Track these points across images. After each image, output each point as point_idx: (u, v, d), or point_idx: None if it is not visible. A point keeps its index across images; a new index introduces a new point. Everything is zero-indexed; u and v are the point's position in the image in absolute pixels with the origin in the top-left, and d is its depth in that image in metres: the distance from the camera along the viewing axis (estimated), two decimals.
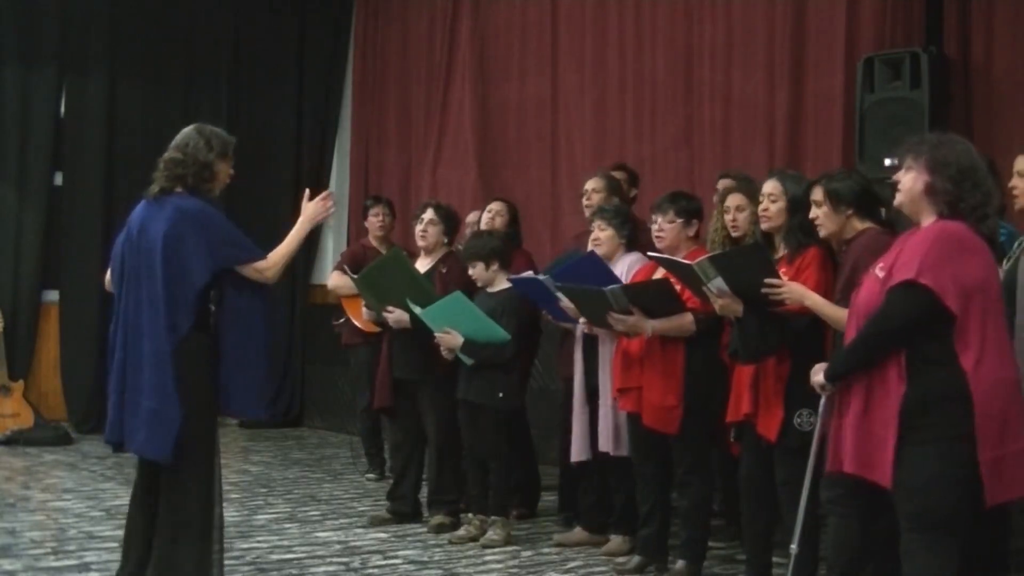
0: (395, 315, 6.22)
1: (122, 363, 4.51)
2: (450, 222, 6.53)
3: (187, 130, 4.65)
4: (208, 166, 4.57)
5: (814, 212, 4.52)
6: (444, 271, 6.40)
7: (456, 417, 6.35)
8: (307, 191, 4.86)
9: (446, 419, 6.34)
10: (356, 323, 7.38)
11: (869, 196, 4.48)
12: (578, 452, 5.92)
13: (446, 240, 6.51)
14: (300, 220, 4.76)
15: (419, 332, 6.17)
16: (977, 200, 3.70)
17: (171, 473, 4.45)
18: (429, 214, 6.48)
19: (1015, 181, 4.39)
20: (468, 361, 6.06)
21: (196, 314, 4.45)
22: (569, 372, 6.05)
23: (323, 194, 4.84)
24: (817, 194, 4.49)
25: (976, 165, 3.76)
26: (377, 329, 6.74)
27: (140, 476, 4.64)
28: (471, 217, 7.30)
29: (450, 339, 6.02)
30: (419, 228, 6.48)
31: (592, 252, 5.71)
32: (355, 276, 6.50)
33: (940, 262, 3.62)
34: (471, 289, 6.26)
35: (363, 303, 6.67)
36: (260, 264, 4.57)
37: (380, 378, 6.52)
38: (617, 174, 6.79)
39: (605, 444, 5.72)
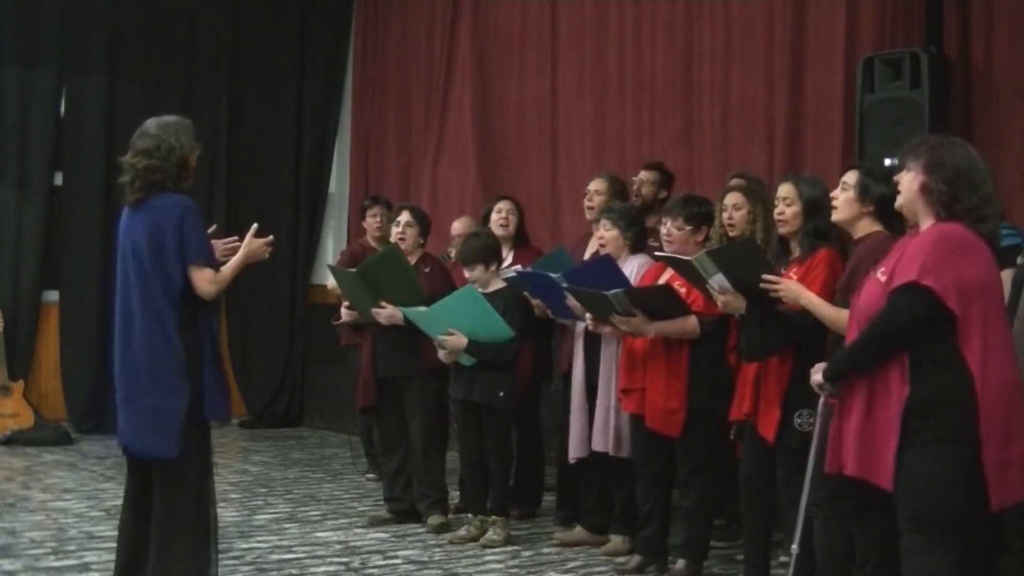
0: (388, 311, 6.23)
1: (121, 372, 4.49)
2: (424, 224, 6.61)
3: (151, 131, 4.54)
4: (183, 163, 4.51)
5: (836, 192, 4.51)
6: (427, 271, 6.45)
7: (442, 415, 6.35)
8: (254, 226, 4.65)
9: (432, 417, 6.37)
10: None
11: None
12: (575, 449, 5.92)
13: (422, 242, 6.57)
14: (240, 254, 4.57)
15: (405, 330, 6.19)
16: (974, 202, 3.71)
17: (164, 472, 4.43)
18: (406, 216, 6.53)
19: None
20: (468, 362, 6.06)
21: (181, 315, 4.41)
22: (569, 369, 6.05)
23: (268, 238, 4.64)
24: (849, 178, 4.48)
25: (974, 167, 3.76)
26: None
27: (131, 476, 4.60)
28: (457, 227, 7.30)
29: (455, 341, 6.00)
30: (396, 231, 6.53)
31: (607, 256, 5.68)
32: (351, 271, 6.51)
33: (941, 264, 3.63)
34: (453, 288, 6.29)
35: (344, 303, 6.66)
36: (211, 275, 4.43)
37: (363, 377, 6.53)
38: (647, 174, 6.73)
39: (604, 445, 5.71)
